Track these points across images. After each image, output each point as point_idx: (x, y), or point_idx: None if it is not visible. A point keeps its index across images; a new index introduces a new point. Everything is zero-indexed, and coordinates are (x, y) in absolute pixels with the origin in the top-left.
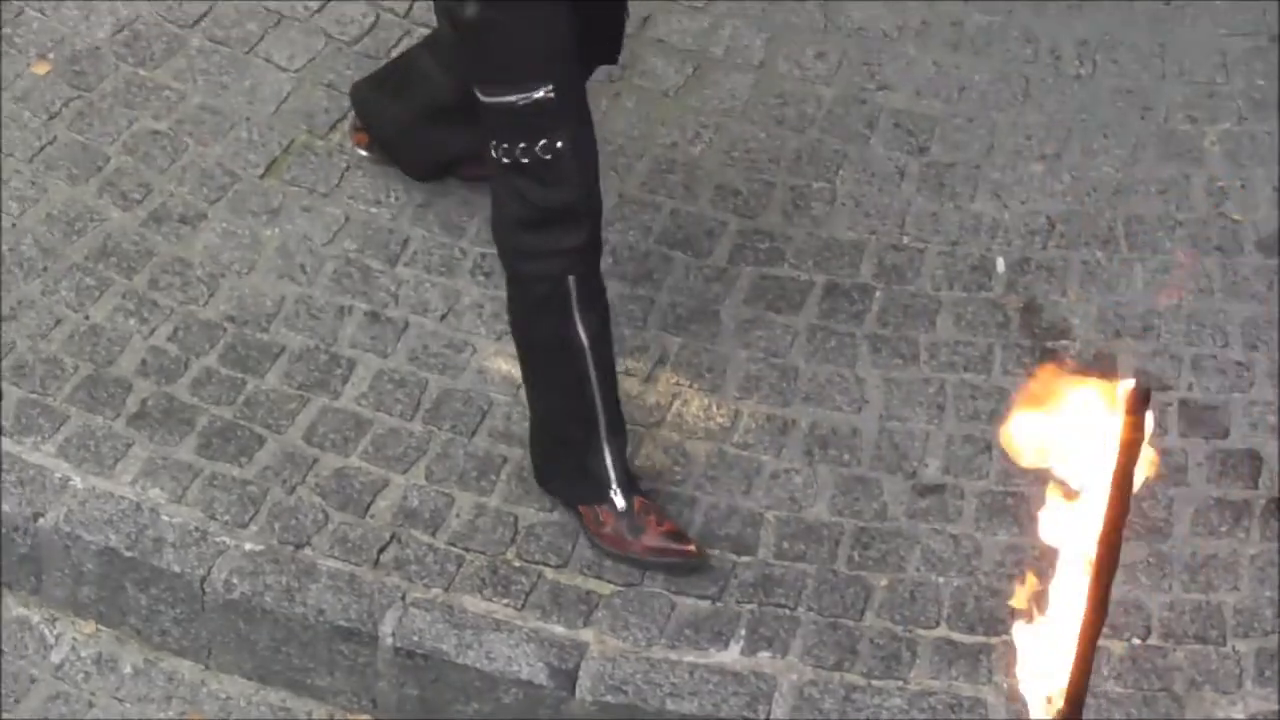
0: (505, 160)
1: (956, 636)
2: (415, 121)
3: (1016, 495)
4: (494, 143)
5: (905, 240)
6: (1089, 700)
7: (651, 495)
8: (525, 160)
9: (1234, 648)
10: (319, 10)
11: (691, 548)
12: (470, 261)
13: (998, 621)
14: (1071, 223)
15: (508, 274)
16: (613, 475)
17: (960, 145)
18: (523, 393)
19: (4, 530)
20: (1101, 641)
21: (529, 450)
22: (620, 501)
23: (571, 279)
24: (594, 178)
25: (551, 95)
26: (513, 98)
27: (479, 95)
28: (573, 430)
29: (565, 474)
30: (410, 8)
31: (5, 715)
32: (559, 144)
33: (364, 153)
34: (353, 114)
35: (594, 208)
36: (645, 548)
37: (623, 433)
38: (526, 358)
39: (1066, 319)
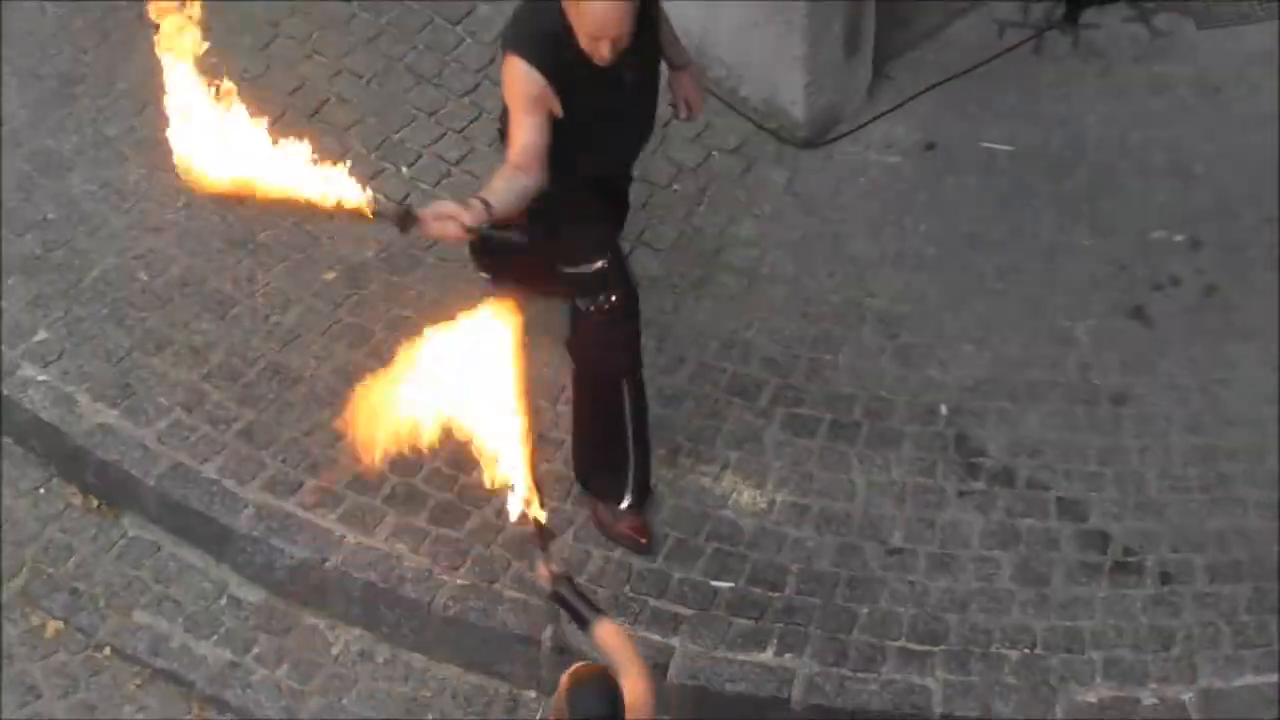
0: (583, 307)
1: (912, 646)
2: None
3: (952, 557)
4: (576, 297)
5: (882, 394)
6: None
7: (645, 505)
8: (591, 308)
9: (1090, 656)
10: None
11: (644, 543)
12: None
13: (940, 636)
14: (990, 383)
15: (578, 372)
16: (628, 490)
17: (920, 333)
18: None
19: (302, 570)
20: (1002, 650)
21: (572, 457)
22: (622, 507)
23: (625, 381)
24: (637, 316)
25: (605, 266)
26: (583, 269)
27: (563, 269)
28: (611, 458)
29: (598, 477)
30: None
31: (301, 688)
32: (614, 297)
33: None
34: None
35: (637, 335)
36: (618, 533)
37: (645, 462)
38: (583, 414)
39: (985, 445)
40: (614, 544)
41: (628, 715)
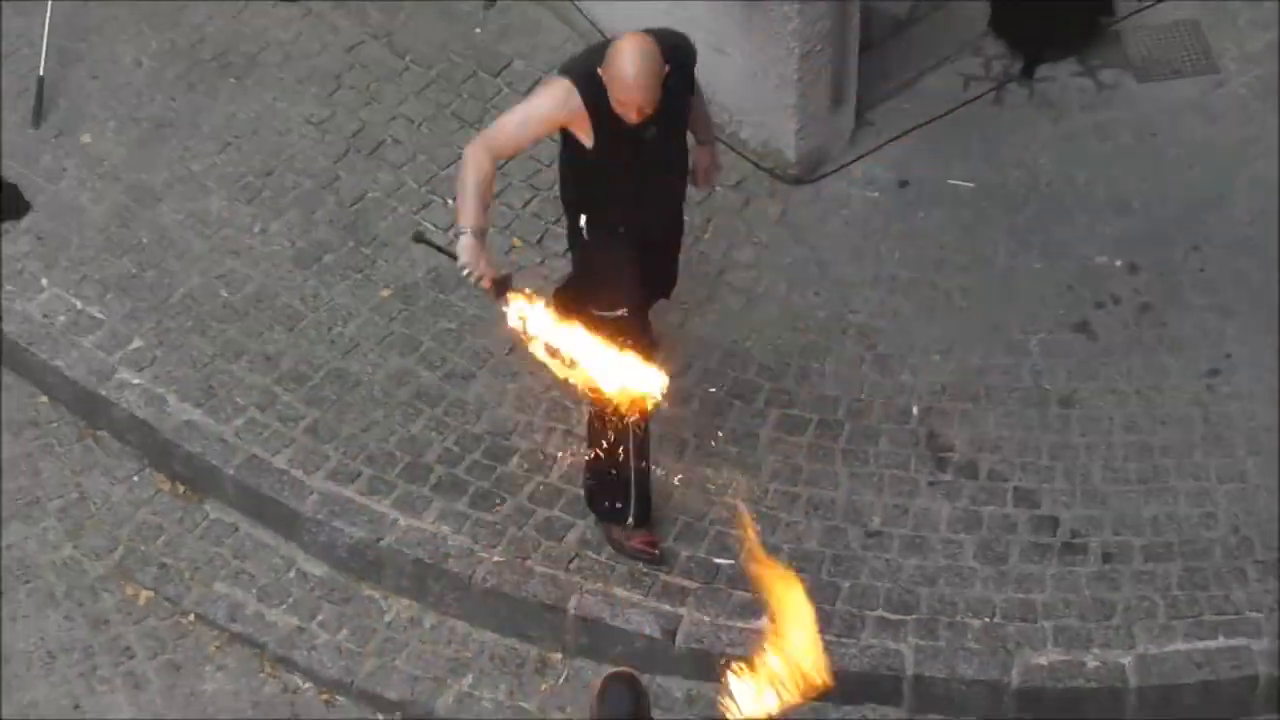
0: None
1: (888, 615)
2: None
3: (923, 539)
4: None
5: (862, 396)
6: None
7: (646, 525)
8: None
9: (1041, 625)
10: (541, 255)
11: (655, 553)
12: None
13: (911, 607)
14: (955, 387)
15: (592, 411)
16: (631, 515)
17: (893, 344)
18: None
19: (359, 548)
20: (966, 619)
21: (583, 484)
22: (627, 529)
23: (630, 421)
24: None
25: (624, 314)
26: (606, 314)
27: (593, 312)
28: (613, 490)
29: (601, 505)
30: None
31: (359, 650)
32: (629, 342)
33: None
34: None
35: None
36: (631, 548)
37: (646, 497)
38: (594, 440)
39: (951, 441)
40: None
41: None
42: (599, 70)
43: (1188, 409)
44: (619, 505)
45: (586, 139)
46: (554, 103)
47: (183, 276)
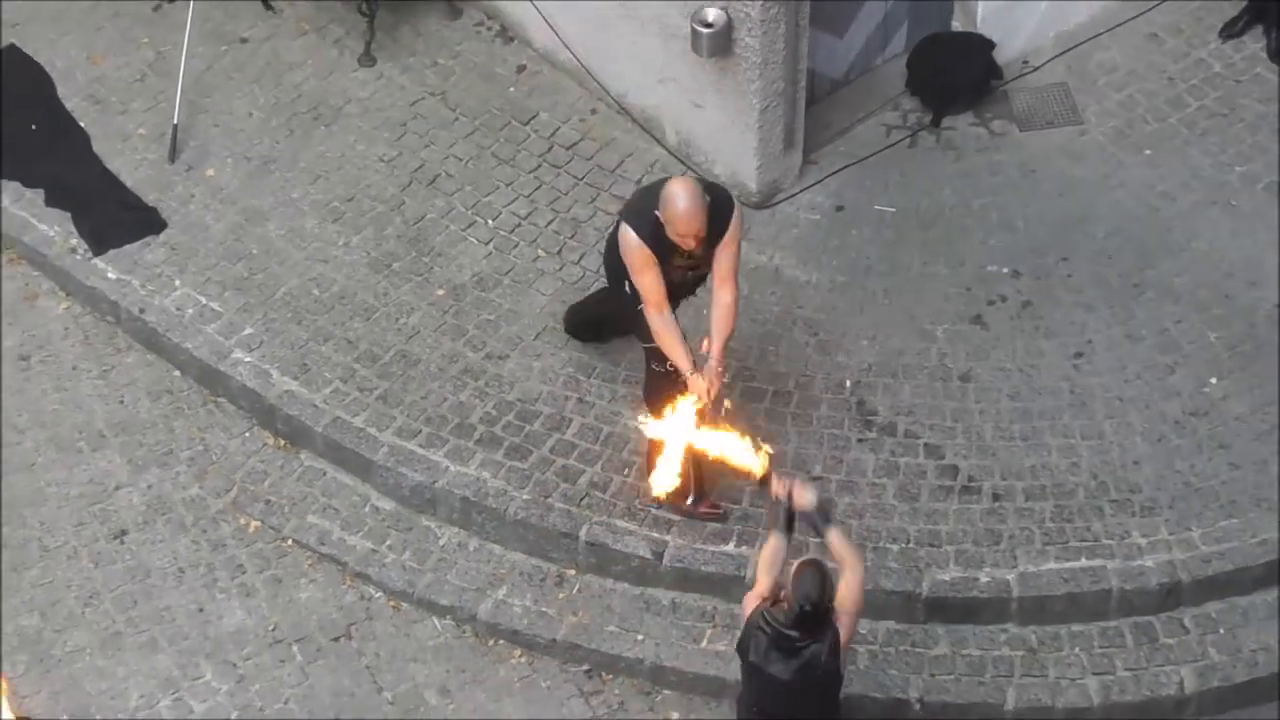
0: (656, 369)
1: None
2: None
3: (854, 483)
4: (652, 362)
5: (807, 372)
6: None
7: (711, 493)
8: (659, 369)
9: (945, 549)
10: (560, 264)
11: (719, 512)
12: (630, 387)
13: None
14: (879, 366)
15: (647, 404)
16: (691, 491)
17: (832, 332)
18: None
19: (419, 488)
20: (887, 545)
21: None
22: (688, 503)
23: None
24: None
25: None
26: (655, 344)
27: (645, 344)
28: (681, 488)
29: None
30: None
31: (418, 567)
32: (671, 365)
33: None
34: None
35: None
36: (700, 514)
37: (699, 484)
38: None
39: (877, 409)
40: (676, 510)
41: (848, 599)
42: (656, 213)
43: (1058, 383)
44: (688, 498)
45: None
46: (645, 255)
47: (284, 279)
